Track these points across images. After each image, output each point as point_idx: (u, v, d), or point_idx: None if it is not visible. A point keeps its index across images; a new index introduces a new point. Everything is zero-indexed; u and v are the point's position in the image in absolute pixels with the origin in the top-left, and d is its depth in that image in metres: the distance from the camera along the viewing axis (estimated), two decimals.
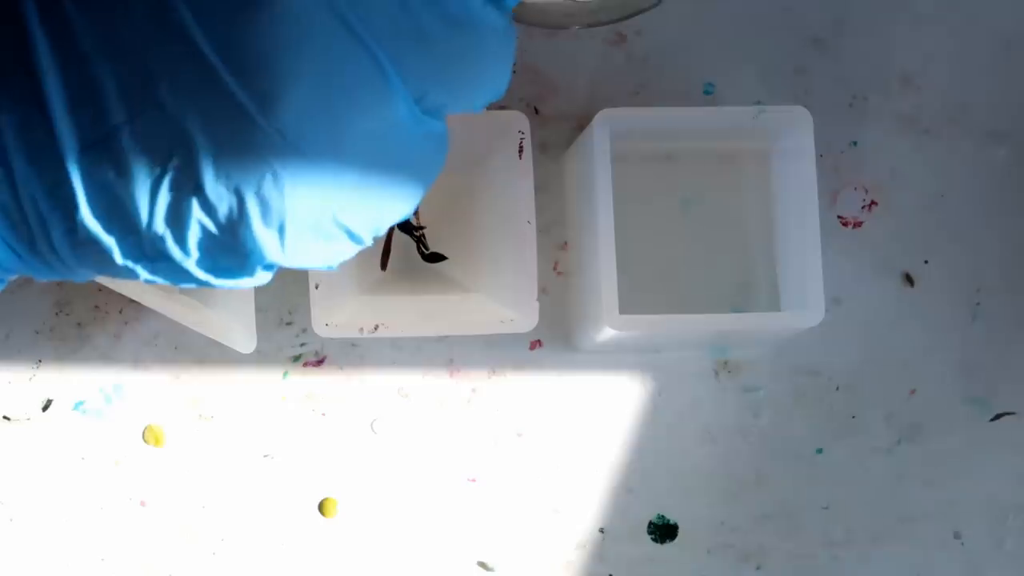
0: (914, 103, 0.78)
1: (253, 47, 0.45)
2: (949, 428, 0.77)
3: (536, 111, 0.77)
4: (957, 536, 0.77)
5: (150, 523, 0.75)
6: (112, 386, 0.75)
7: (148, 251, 0.47)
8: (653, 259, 0.76)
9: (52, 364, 0.75)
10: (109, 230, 0.47)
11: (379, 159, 0.48)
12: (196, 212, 0.46)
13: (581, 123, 0.76)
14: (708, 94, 0.77)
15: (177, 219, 0.46)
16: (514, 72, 0.77)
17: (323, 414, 0.75)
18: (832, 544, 0.77)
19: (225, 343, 0.71)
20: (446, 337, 0.76)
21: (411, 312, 0.73)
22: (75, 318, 0.75)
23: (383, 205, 0.49)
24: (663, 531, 0.76)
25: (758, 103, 0.77)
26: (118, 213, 0.47)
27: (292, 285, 0.75)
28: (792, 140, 0.72)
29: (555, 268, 0.76)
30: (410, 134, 0.49)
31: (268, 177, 0.46)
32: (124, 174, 0.46)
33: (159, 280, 0.49)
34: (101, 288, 0.73)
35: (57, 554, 0.74)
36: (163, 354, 0.75)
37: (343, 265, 0.51)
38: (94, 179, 0.46)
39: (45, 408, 0.75)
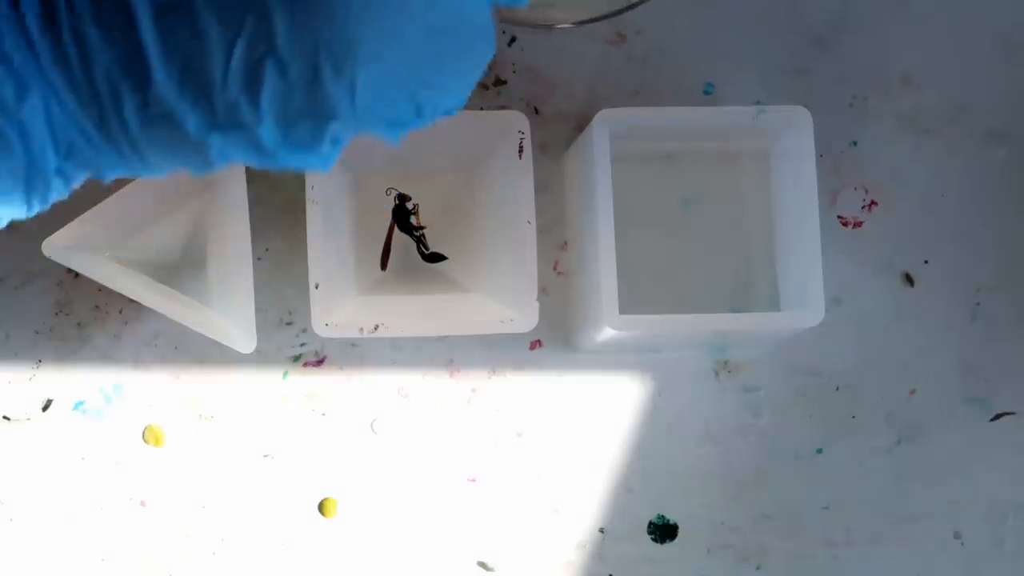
0: (914, 103, 0.78)
1: None
2: (949, 428, 0.77)
3: (536, 111, 0.77)
4: (957, 536, 0.77)
5: (150, 523, 0.75)
6: (112, 386, 0.75)
7: (221, 120, 0.48)
8: (653, 259, 0.76)
9: (52, 364, 0.75)
10: (182, 97, 0.47)
11: (439, 22, 0.49)
12: (270, 72, 0.47)
13: (581, 123, 0.76)
14: (708, 94, 0.77)
15: (251, 81, 0.47)
16: (514, 72, 0.77)
17: (323, 414, 0.75)
18: (832, 544, 0.77)
19: (225, 343, 0.71)
20: (446, 337, 0.76)
21: (411, 312, 0.73)
22: (75, 318, 0.75)
23: (442, 75, 0.50)
24: (663, 531, 0.76)
25: (758, 103, 0.77)
26: (192, 79, 0.47)
27: (292, 285, 0.75)
28: (792, 140, 0.72)
29: (555, 268, 0.76)
30: (473, 11, 0.50)
31: (340, 33, 0.47)
32: (199, 36, 0.46)
33: (230, 156, 0.49)
34: (101, 288, 0.73)
35: (57, 554, 0.74)
36: (163, 354, 0.75)
37: (403, 140, 0.51)
38: (168, 44, 0.47)
39: (45, 408, 0.75)
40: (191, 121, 0.48)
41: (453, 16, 0.50)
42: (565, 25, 0.72)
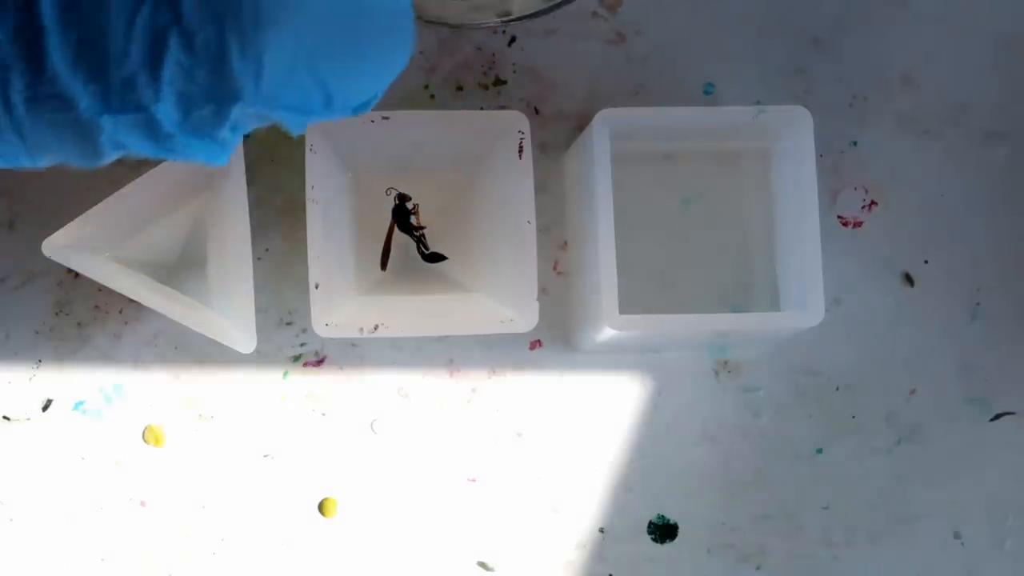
0: (914, 103, 0.78)
1: None
2: (949, 428, 0.77)
3: (536, 111, 0.77)
4: (957, 536, 0.77)
5: (150, 523, 0.75)
6: (112, 386, 0.75)
7: (115, 100, 0.45)
8: (653, 259, 0.76)
9: (52, 364, 0.75)
10: (75, 73, 0.45)
11: (352, 8, 0.47)
12: (173, 43, 0.45)
13: (581, 123, 0.76)
14: (708, 94, 0.77)
15: (153, 52, 0.45)
16: (514, 72, 0.77)
17: (323, 414, 0.75)
18: (832, 544, 0.77)
19: (225, 343, 0.71)
20: (446, 337, 0.76)
21: (411, 312, 0.73)
22: (75, 318, 0.75)
23: (354, 66, 0.48)
24: (663, 531, 0.76)
25: (758, 103, 0.77)
26: (90, 52, 0.44)
27: (292, 285, 0.75)
28: (792, 140, 0.72)
29: (555, 268, 0.76)
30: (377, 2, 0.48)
31: (247, 2, 0.45)
32: (102, 6, 0.44)
33: (123, 141, 0.46)
34: (101, 288, 0.73)
35: (57, 554, 0.74)
36: (163, 354, 0.75)
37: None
38: (68, 15, 0.44)
39: (45, 408, 0.75)
40: (84, 101, 0.45)
41: (369, 5, 0.48)
42: (489, 24, 0.71)
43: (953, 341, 0.77)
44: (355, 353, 0.76)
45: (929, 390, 0.77)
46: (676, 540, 0.76)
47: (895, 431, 0.77)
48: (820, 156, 0.76)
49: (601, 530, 0.76)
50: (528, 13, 0.70)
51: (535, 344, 0.76)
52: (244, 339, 0.71)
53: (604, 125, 0.70)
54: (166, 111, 0.46)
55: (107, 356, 0.75)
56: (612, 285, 0.69)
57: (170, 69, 0.45)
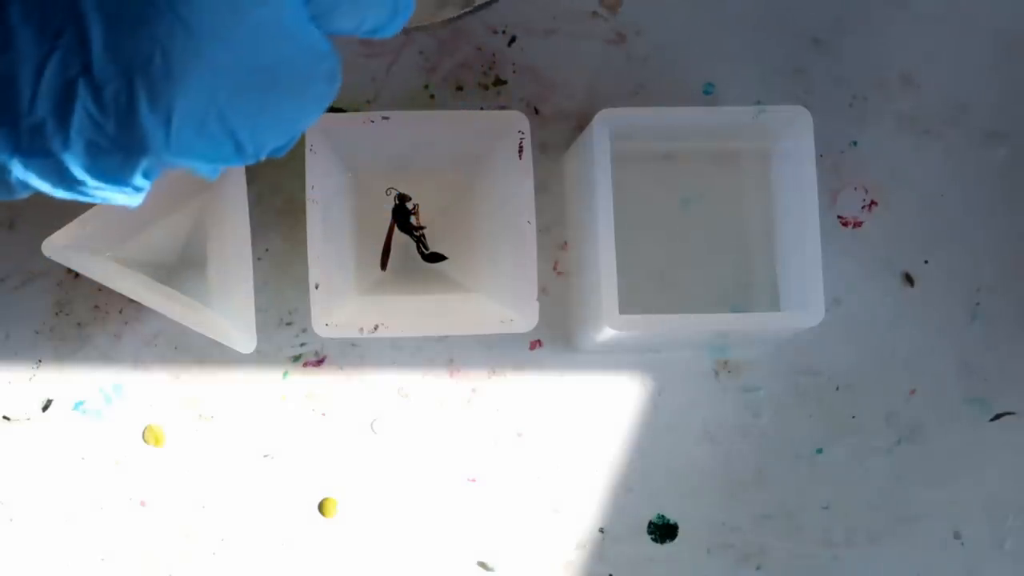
0: (914, 103, 0.78)
1: None
2: (949, 428, 0.77)
3: (536, 111, 0.77)
4: (957, 536, 0.77)
5: (150, 523, 0.75)
6: (112, 386, 0.75)
7: (24, 143, 0.45)
8: (653, 259, 0.76)
9: (52, 364, 0.75)
10: None
11: (265, 59, 0.47)
12: (82, 93, 0.44)
13: (581, 123, 0.76)
14: (708, 94, 0.77)
15: (62, 101, 0.44)
16: (514, 72, 0.77)
17: (323, 414, 0.75)
18: (832, 544, 0.77)
19: (225, 343, 0.71)
20: (446, 337, 0.76)
21: (411, 312, 0.73)
22: (75, 318, 0.75)
23: (268, 115, 0.48)
24: (663, 531, 0.76)
25: (758, 103, 0.77)
26: None
27: (292, 285, 0.75)
28: (792, 140, 0.72)
29: (555, 268, 0.76)
30: (298, 44, 0.47)
31: (158, 55, 0.44)
32: (9, 50, 0.44)
33: (31, 181, 0.46)
34: (101, 288, 0.73)
35: (57, 554, 0.74)
36: (163, 354, 0.75)
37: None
38: None
39: (45, 408, 0.75)
40: None
41: (283, 54, 0.47)
42: (453, 16, 0.70)
43: (953, 341, 0.77)
44: (355, 353, 0.76)
45: (929, 390, 0.77)
46: (676, 540, 0.76)
47: (895, 431, 0.77)
48: (820, 156, 0.76)
49: (601, 530, 0.76)
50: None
51: (535, 344, 0.76)
52: (244, 339, 0.71)
53: (604, 125, 0.70)
54: (74, 160, 0.45)
55: (107, 356, 0.75)
56: (612, 285, 0.69)
57: (79, 118, 0.45)
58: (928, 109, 0.78)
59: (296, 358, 0.75)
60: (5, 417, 0.75)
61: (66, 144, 0.45)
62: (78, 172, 0.46)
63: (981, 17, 0.79)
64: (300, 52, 0.48)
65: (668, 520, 0.76)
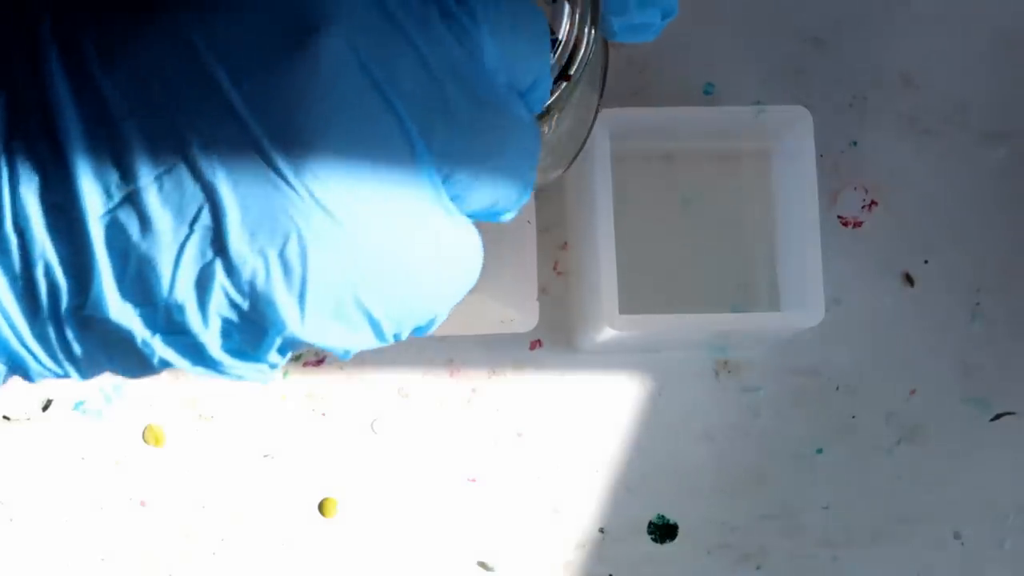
0: (914, 103, 0.78)
1: (286, 103, 0.44)
2: (949, 428, 0.77)
3: None
4: (957, 536, 0.77)
5: (150, 523, 0.75)
6: (112, 386, 0.75)
7: (163, 323, 0.45)
8: (653, 259, 0.76)
9: None
10: (124, 298, 0.45)
11: (403, 240, 0.47)
12: (219, 275, 0.44)
13: None
14: (708, 94, 0.77)
15: (200, 283, 0.45)
16: None
17: (323, 414, 0.75)
18: (832, 544, 0.77)
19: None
20: (446, 337, 0.76)
21: None
22: None
23: (406, 296, 0.48)
24: (663, 531, 0.76)
25: (758, 103, 0.77)
26: (137, 279, 0.45)
27: None
28: (792, 140, 0.72)
29: (555, 268, 0.76)
30: (439, 223, 0.48)
31: (293, 237, 0.44)
32: (148, 236, 0.44)
33: (170, 359, 0.47)
34: None
35: (57, 554, 0.74)
36: None
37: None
38: (115, 243, 0.44)
39: (45, 408, 0.75)
40: (134, 325, 0.45)
41: (424, 232, 0.47)
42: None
43: (953, 341, 0.77)
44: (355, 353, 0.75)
45: (929, 390, 0.77)
46: (676, 540, 0.76)
47: (895, 431, 0.77)
48: (820, 156, 0.76)
49: (601, 530, 0.76)
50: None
51: (535, 344, 0.76)
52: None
53: (604, 125, 0.70)
54: (212, 337, 0.46)
55: None
56: (612, 285, 0.69)
57: (216, 299, 0.45)
58: (928, 109, 0.78)
59: (296, 358, 0.75)
60: (5, 417, 0.75)
61: (205, 323, 0.45)
62: (216, 351, 0.46)
63: (981, 17, 0.78)
64: (441, 236, 0.48)
65: (668, 520, 0.76)
